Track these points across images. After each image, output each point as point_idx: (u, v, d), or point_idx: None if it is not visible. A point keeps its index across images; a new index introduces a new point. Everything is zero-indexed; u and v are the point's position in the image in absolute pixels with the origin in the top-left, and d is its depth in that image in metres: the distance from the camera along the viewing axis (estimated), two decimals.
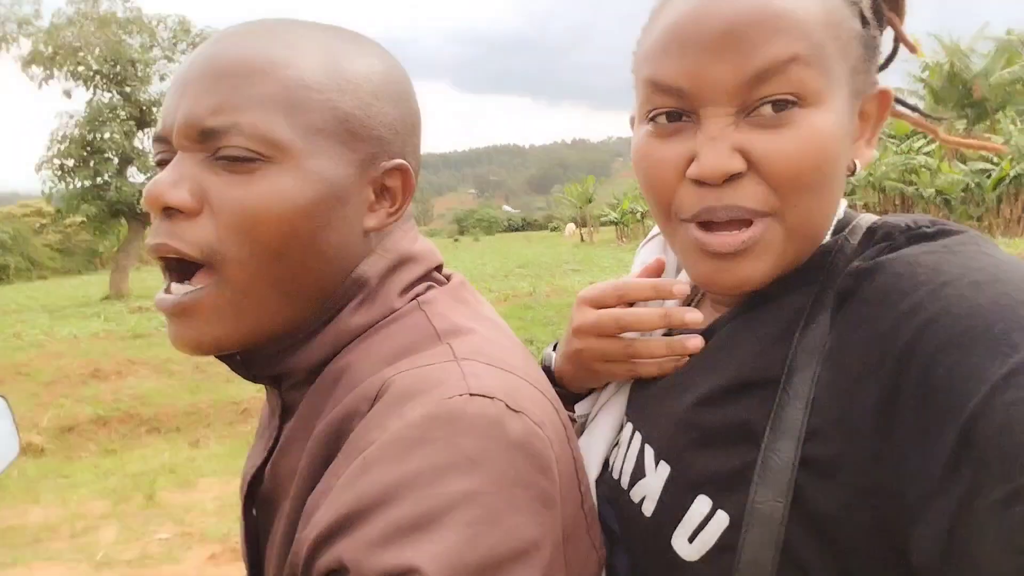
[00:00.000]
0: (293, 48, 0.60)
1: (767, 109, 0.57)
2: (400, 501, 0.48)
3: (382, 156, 0.64)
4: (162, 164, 0.62)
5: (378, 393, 0.56)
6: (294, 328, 0.63)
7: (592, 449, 0.73)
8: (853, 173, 0.63)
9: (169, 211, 0.58)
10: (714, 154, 0.57)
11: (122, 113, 17.12)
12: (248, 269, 0.58)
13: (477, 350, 0.59)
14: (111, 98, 17.43)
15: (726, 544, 0.56)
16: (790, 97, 0.56)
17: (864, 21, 0.60)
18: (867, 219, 0.62)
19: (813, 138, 0.56)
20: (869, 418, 0.50)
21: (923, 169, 24.45)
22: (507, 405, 0.53)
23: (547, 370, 0.81)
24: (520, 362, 0.62)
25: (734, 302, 0.67)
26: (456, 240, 57.23)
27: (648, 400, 0.70)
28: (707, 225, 0.60)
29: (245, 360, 0.65)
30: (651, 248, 0.82)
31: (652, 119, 0.61)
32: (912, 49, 0.66)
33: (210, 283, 0.58)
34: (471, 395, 0.53)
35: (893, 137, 28.03)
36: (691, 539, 0.58)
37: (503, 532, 0.48)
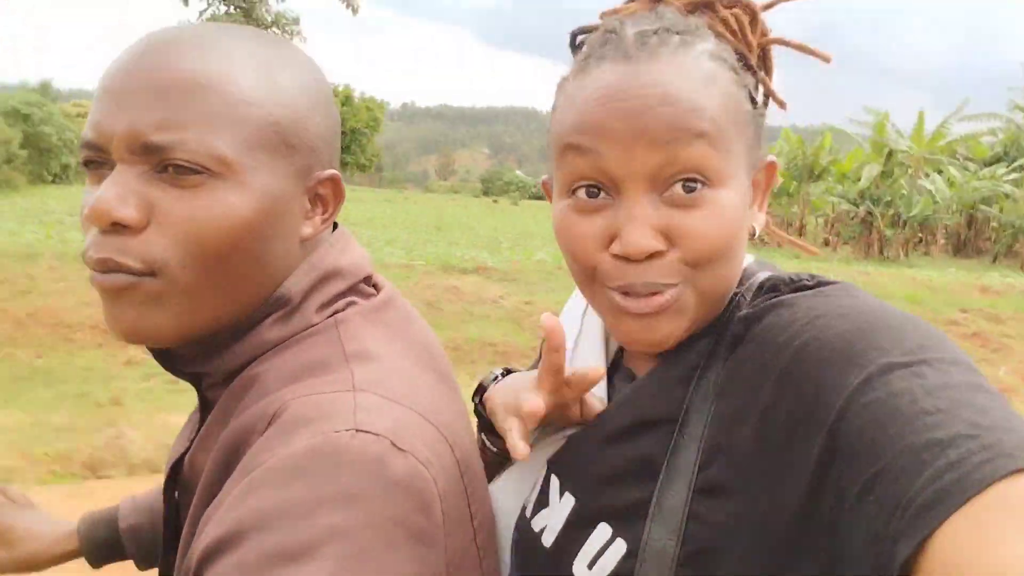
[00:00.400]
0: (230, 61, 0.60)
1: (678, 189, 0.61)
2: (274, 529, 0.49)
3: (316, 166, 0.65)
4: (90, 166, 0.62)
5: (275, 414, 0.57)
6: (217, 330, 0.64)
7: (509, 490, 0.75)
8: (754, 235, 0.69)
9: (118, 226, 0.58)
10: (637, 234, 0.61)
11: None
12: (189, 276, 0.59)
13: (378, 380, 0.60)
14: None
15: (622, 572, 0.59)
16: (698, 177, 0.61)
17: (752, 101, 0.66)
18: (762, 275, 0.68)
19: (722, 216, 0.62)
20: (751, 441, 0.55)
21: (1004, 196, 24.47)
22: (392, 443, 0.54)
23: (482, 388, 0.81)
24: (423, 396, 0.62)
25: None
26: (495, 201, 56.72)
27: (558, 437, 0.73)
28: (626, 292, 0.64)
29: (166, 355, 0.67)
30: (574, 303, 0.85)
31: (573, 193, 0.65)
32: (781, 104, 0.73)
33: (150, 280, 0.59)
34: (357, 431, 0.54)
35: (971, 159, 27.95)
36: (590, 565, 0.62)
37: (373, 569, 0.49)
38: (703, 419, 0.60)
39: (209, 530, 0.52)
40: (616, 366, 0.75)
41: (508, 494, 0.75)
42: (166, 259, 0.58)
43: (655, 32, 0.62)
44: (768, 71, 0.72)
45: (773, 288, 0.65)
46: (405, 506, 0.53)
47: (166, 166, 0.58)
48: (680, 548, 0.57)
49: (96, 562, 0.94)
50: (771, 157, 0.69)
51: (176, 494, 0.70)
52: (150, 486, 0.98)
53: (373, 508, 0.51)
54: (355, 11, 23.57)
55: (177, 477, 0.70)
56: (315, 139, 0.64)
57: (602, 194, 0.63)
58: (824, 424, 0.49)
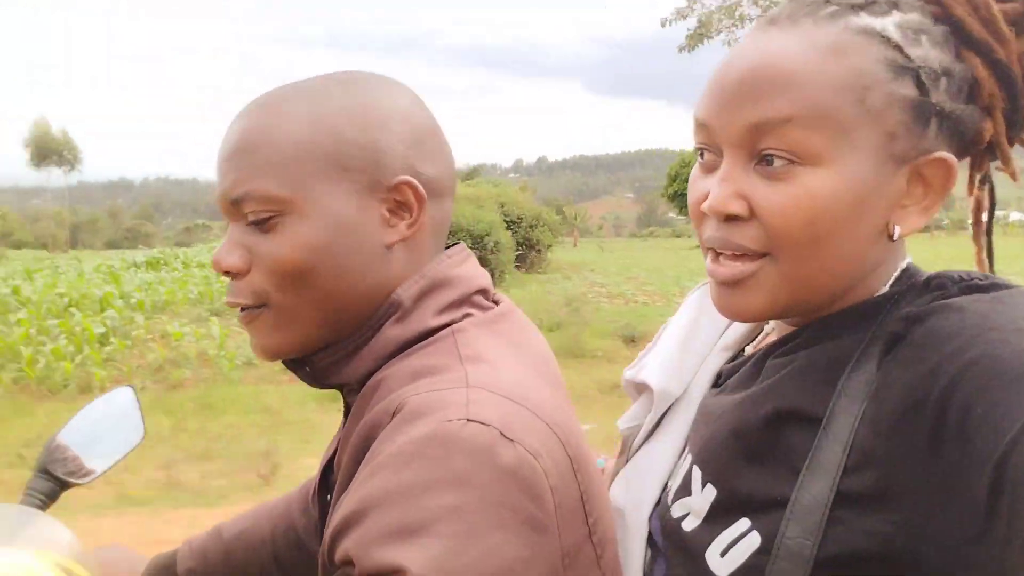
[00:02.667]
0: (280, 114, 0.68)
1: (770, 161, 0.60)
2: (392, 506, 0.55)
3: (384, 177, 0.69)
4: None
5: (396, 409, 0.62)
6: (340, 340, 0.71)
7: (651, 472, 0.77)
8: (891, 237, 0.63)
9: (228, 273, 0.70)
10: (719, 194, 0.62)
11: None
12: (289, 300, 0.69)
13: (491, 379, 0.63)
14: None
15: (754, 565, 0.58)
16: (785, 155, 0.59)
17: (921, 87, 0.59)
18: (926, 274, 0.64)
19: (806, 196, 0.59)
20: (911, 457, 0.52)
21: None
22: (501, 433, 0.58)
23: None
24: (536, 394, 0.65)
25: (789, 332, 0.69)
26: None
27: (702, 428, 0.73)
28: (716, 256, 0.66)
29: (312, 373, 0.74)
30: (696, 296, 0.88)
31: (698, 151, 0.67)
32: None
33: (263, 309, 0.70)
34: (468, 420, 0.58)
35: None
36: (723, 554, 0.61)
37: (486, 547, 0.53)
38: (851, 419, 0.57)
39: (338, 513, 0.59)
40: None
41: (633, 487, 0.77)
42: (268, 293, 0.69)
43: (813, 2, 0.62)
44: None
45: (940, 287, 0.60)
46: (514, 492, 0.56)
47: (249, 220, 0.68)
48: (818, 550, 0.55)
49: None
50: (942, 154, 0.60)
51: (329, 497, 0.78)
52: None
53: (483, 491, 0.55)
54: None
55: (328, 482, 0.79)
56: (376, 153, 0.69)
57: (708, 154, 0.65)
58: (991, 456, 0.46)
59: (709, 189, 0.64)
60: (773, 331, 0.76)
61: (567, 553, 0.60)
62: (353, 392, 0.73)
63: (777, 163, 0.60)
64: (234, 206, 0.69)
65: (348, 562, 0.55)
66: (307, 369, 0.74)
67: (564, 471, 0.62)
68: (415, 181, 0.70)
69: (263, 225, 0.68)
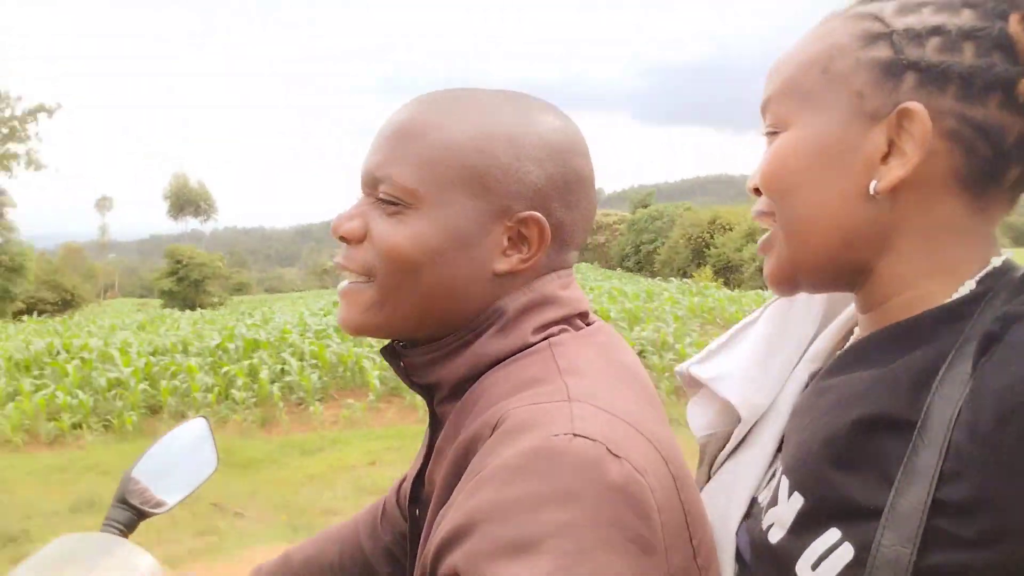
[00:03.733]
0: (450, 114, 0.69)
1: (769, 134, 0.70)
2: (502, 521, 0.53)
3: (517, 208, 0.69)
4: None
5: (498, 422, 0.61)
6: (432, 339, 0.72)
7: (738, 485, 0.75)
8: (872, 193, 0.63)
9: (343, 238, 0.72)
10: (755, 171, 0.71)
11: None
12: (391, 282, 0.70)
13: (592, 393, 0.62)
14: None
15: None
16: (772, 129, 0.69)
17: (895, 47, 0.62)
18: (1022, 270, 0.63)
19: (773, 153, 0.67)
20: (1008, 464, 0.50)
21: None
22: (608, 449, 0.56)
23: None
24: (635, 410, 0.64)
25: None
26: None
27: (792, 436, 0.71)
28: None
29: (406, 367, 0.75)
30: (775, 307, 0.86)
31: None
32: None
33: (369, 283, 0.71)
34: (574, 435, 0.56)
35: None
36: (814, 567, 0.59)
37: (595, 567, 0.51)
38: (947, 421, 0.54)
39: (443, 526, 0.58)
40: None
41: (719, 501, 0.75)
42: (375, 268, 0.70)
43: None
44: None
45: None
46: (623, 510, 0.54)
47: (380, 198, 0.70)
48: (916, 556, 0.53)
49: None
50: (909, 104, 0.60)
51: (417, 511, 0.78)
52: None
53: (592, 508, 0.53)
54: None
55: (418, 495, 0.77)
56: (520, 185, 0.69)
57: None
58: None
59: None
60: (855, 335, 0.74)
61: (674, 575, 0.58)
62: (445, 400, 0.73)
63: (769, 137, 0.70)
64: (372, 182, 0.72)
65: None
66: (400, 364, 0.76)
67: (668, 489, 0.60)
68: (543, 219, 0.70)
69: (388, 208, 0.70)
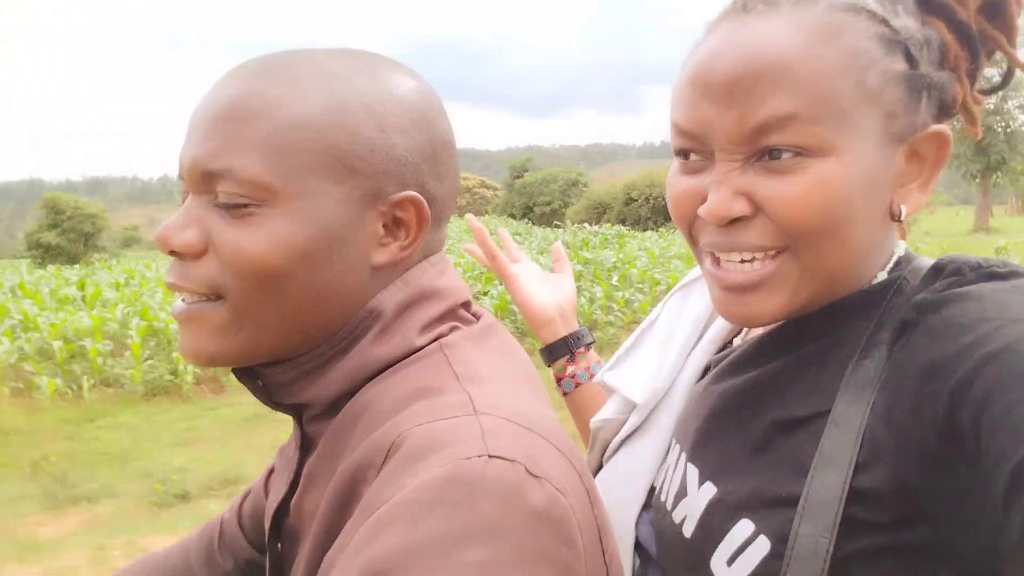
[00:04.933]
0: (292, 86, 0.58)
1: (767, 155, 0.58)
2: (413, 569, 0.44)
3: (389, 189, 0.61)
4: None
5: (393, 445, 0.53)
6: (300, 355, 0.62)
7: (636, 472, 0.73)
8: (898, 218, 0.61)
9: (176, 253, 0.59)
10: (717, 198, 0.59)
11: None
12: (248, 299, 0.58)
13: (497, 403, 0.56)
14: None
15: (766, 572, 0.55)
16: (793, 149, 0.57)
17: (911, 60, 0.58)
18: (929, 259, 0.62)
19: (820, 185, 0.56)
20: (924, 451, 0.50)
21: None
22: (527, 469, 0.50)
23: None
24: (541, 418, 0.57)
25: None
26: None
27: (693, 422, 0.69)
28: (717, 259, 0.63)
29: (266, 387, 0.65)
30: (677, 296, 0.86)
31: (679, 154, 0.64)
32: (1014, 62, 0.63)
33: (217, 304, 0.59)
34: (489, 456, 0.49)
35: None
36: (729, 562, 0.58)
37: None
38: (861, 410, 0.54)
39: None
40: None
41: (615, 490, 0.72)
42: (224, 285, 0.58)
43: None
44: (1008, 30, 0.63)
45: (955, 272, 0.57)
46: (549, 539, 0.48)
47: (220, 199, 0.58)
48: (835, 545, 0.52)
49: None
50: (938, 127, 0.59)
51: (279, 546, 0.67)
52: None
53: (517, 541, 0.46)
54: None
55: (280, 526, 0.67)
56: (388, 161, 0.60)
57: (694, 156, 0.62)
58: (1009, 457, 0.44)
59: (695, 189, 0.61)
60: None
61: None
62: (317, 418, 0.63)
63: (785, 156, 0.57)
64: (205, 179, 0.58)
65: None
66: (259, 383, 0.65)
67: (585, 507, 0.54)
68: (421, 199, 0.62)
69: (234, 210, 0.58)
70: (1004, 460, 0.44)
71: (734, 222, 0.60)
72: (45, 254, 30.77)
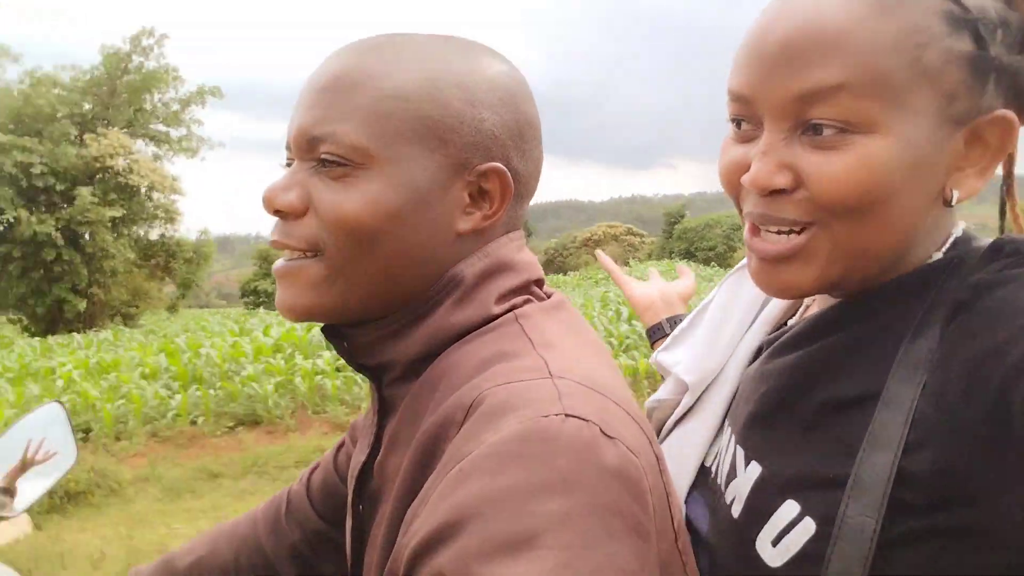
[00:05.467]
0: (392, 61, 0.63)
1: (819, 130, 0.57)
2: (495, 515, 0.47)
3: (476, 160, 0.65)
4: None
5: (473, 404, 0.56)
6: (385, 315, 0.65)
7: (686, 453, 0.73)
8: (949, 203, 0.59)
9: (280, 212, 0.64)
10: (761, 168, 0.59)
11: None
12: (344, 255, 0.62)
13: (571, 367, 0.58)
14: None
15: (811, 553, 0.55)
16: (838, 124, 0.56)
17: (979, 40, 0.55)
18: (988, 239, 0.60)
19: (862, 164, 0.55)
20: (973, 434, 0.49)
21: None
22: (601, 430, 0.52)
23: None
24: (612, 384, 0.60)
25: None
26: None
27: (743, 404, 0.69)
28: (757, 229, 0.62)
29: (351, 348, 0.68)
30: (733, 278, 0.85)
31: (733, 122, 0.63)
32: None
33: (315, 259, 0.64)
34: (566, 415, 0.52)
35: None
36: (775, 543, 0.57)
37: (600, 559, 0.46)
38: (912, 391, 0.53)
39: (419, 525, 0.51)
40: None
41: (670, 465, 0.67)
42: (323, 242, 0.62)
43: None
44: None
45: (1015, 253, 0.55)
46: (622, 494, 0.50)
47: (322, 159, 0.62)
48: (881, 527, 0.52)
49: None
50: (1004, 112, 0.57)
51: (362, 507, 0.70)
52: None
53: (591, 494, 0.48)
54: None
55: (364, 489, 0.69)
56: (477, 134, 0.64)
57: (745, 124, 0.62)
58: None
59: (743, 158, 0.62)
60: (814, 303, 0.72)
61: (662, 562, 0.54)
62: (397, 381, 0.67)
63: (827, 132, 0.56)
64: (310, 144, 0.63)
65: None
66: (344, 344, 0.69)
67: (655, 471, 0.56)
68: (506, 171, 0.66)
69: (334, 171, 0.63)
70: None
71: (774, 193, 0.60)
72: (258, 300, 32.27)
